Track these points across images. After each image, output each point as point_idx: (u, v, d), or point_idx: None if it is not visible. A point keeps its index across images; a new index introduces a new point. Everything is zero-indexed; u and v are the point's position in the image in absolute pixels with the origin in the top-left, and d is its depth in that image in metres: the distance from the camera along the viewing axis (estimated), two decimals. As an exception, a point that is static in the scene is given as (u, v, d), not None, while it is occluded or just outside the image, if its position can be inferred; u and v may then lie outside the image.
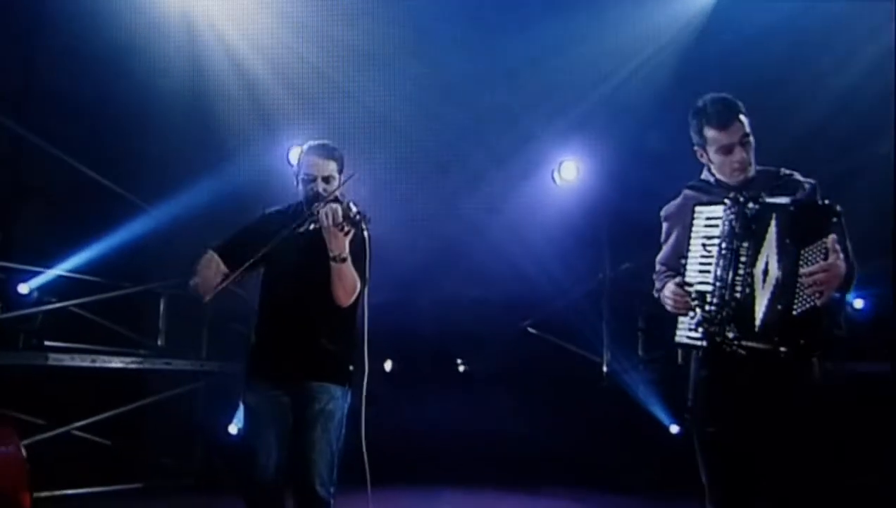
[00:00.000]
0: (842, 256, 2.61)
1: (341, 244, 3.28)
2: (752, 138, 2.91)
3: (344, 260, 3.31)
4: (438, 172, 7.60)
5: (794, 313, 2.61)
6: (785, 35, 6.57)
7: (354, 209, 3.27)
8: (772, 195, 2.78)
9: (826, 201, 2.72)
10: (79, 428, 6.10)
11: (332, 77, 7.31)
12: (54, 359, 5.76)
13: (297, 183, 3.57)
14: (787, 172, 2.95)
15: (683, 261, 2.88)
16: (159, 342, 7.02)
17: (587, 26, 6.92)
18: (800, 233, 2.65)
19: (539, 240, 7.69)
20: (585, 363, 7.71)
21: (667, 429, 6.83)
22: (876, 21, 6.29)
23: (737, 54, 6.60)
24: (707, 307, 2.74)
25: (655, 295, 3.08)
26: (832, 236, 2.61)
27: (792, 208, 2.68)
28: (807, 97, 6.64)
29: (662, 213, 3.18)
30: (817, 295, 2.59)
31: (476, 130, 7.47)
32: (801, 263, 2.62)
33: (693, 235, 2.86)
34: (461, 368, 8.30)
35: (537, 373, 8.04)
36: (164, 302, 7.05)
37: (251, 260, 3.30)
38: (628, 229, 7.49)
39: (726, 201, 2.80)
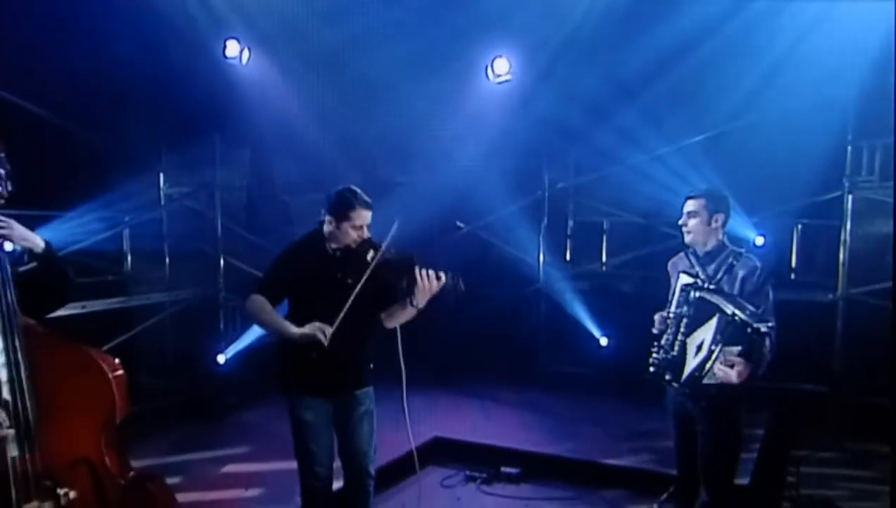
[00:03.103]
0: (748, 364, 3.68)
1: (427, 299, 3.87)
2: (701, 216, 3.97)
3: (420, 309, 3.91)
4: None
5: (702, 381, 3.83)
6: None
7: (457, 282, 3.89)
8: (728, 272, 3.93)
9: (753, 322, 3.67)
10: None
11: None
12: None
13: (337, 225, 3.93)
14: (747, 255, 3.98)
15: (665, 314, 4.05)
16: (126, 269, 7.16)
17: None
18: (728, 334, 3.74)
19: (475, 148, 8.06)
20: (522, 264, 8.43)
21: (597, 341, 7.72)
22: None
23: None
24: (658, 355, 4.01)
25: None
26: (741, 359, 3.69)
27: (729, 316, 3.72)
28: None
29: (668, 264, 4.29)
30: (719, 379, 3.77)
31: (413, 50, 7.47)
32: (719, 350, 3.76)
33: (673, 295, 4.03)
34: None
35: (474, 271, 8.68)
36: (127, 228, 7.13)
37: (353, 295, 3.79)
38: (566, 145, 8.01)
39: (686, 284, 3.94)
